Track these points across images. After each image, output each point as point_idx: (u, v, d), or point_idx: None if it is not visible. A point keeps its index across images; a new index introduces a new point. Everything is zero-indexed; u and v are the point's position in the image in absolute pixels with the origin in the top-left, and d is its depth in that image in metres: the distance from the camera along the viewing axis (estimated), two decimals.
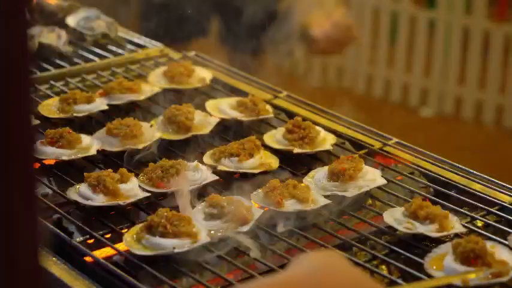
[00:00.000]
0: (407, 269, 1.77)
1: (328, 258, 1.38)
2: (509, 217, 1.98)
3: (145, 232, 1.80)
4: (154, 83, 2.60)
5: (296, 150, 2.21)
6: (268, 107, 2.46)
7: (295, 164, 2.21)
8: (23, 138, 0.88)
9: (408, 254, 1.82)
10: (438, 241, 1.85)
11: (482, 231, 1.91)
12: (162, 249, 1.76)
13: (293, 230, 1.90)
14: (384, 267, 1.81)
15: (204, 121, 2.34)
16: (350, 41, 3.59)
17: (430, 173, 2.18)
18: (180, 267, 1.76)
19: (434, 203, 1.95)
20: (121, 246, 1.83)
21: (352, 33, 3.53)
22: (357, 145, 2.34)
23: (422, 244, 1.86)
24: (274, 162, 2.16)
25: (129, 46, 2.98)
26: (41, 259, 0.91)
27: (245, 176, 2.10)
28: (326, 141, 2.27)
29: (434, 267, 1.74)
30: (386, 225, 1.92)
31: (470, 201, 2.04)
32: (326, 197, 1.98)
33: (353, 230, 1.93)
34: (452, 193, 2.07)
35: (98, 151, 2.19)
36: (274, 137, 2.28)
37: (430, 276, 1.72)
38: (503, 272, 1.69)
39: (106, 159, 2.21)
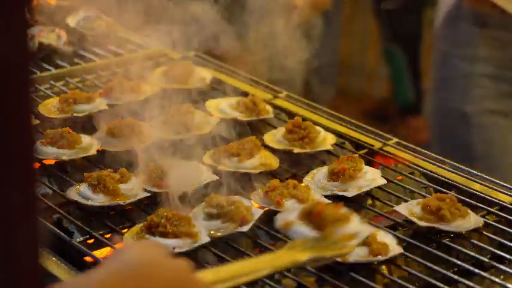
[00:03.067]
0: None
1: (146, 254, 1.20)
2: (509, 217, 1.98)
3: (145, 232, 1.80)
4: (154, 83, 2.59)
5: (296, 150, 2.21)
6: (268, 107, 2.46)
7: (295, 164, 2.21)
8: (23, 138, 0.88)
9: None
10: None
11: (483, 231, 1.91)
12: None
13: None
14: (384, 267, 1.81)
15: (204, 121, 2.34)
16: (325, 5, 3.67)
17: (430, 173, 2.18)
18: None
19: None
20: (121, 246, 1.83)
21: None
22: (357, 145, 2.34)
23: None
24: (274, 162, 2.16)
25: (129, 46, 2.97)
26: (41, 259, 0.91)
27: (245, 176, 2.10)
28: (326, 141, 2.27)
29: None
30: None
31: (470, 201, 2.04)
32: (326, 197, 1.99)
33: None
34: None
35: (98, 151, 2.19)
36: (274, 137, 2.28)
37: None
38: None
39: (106, 159, 2.21)
